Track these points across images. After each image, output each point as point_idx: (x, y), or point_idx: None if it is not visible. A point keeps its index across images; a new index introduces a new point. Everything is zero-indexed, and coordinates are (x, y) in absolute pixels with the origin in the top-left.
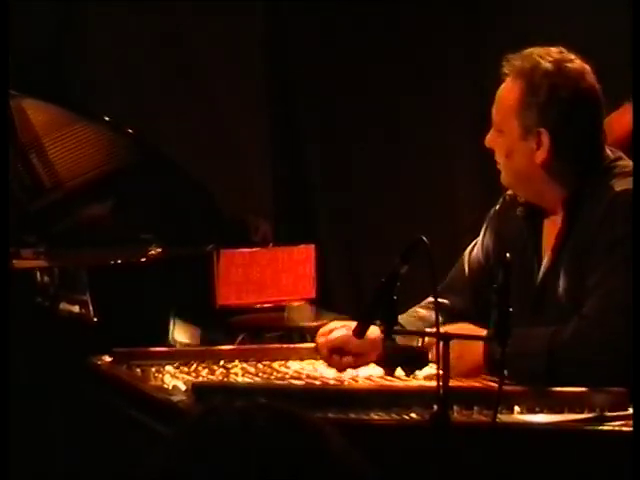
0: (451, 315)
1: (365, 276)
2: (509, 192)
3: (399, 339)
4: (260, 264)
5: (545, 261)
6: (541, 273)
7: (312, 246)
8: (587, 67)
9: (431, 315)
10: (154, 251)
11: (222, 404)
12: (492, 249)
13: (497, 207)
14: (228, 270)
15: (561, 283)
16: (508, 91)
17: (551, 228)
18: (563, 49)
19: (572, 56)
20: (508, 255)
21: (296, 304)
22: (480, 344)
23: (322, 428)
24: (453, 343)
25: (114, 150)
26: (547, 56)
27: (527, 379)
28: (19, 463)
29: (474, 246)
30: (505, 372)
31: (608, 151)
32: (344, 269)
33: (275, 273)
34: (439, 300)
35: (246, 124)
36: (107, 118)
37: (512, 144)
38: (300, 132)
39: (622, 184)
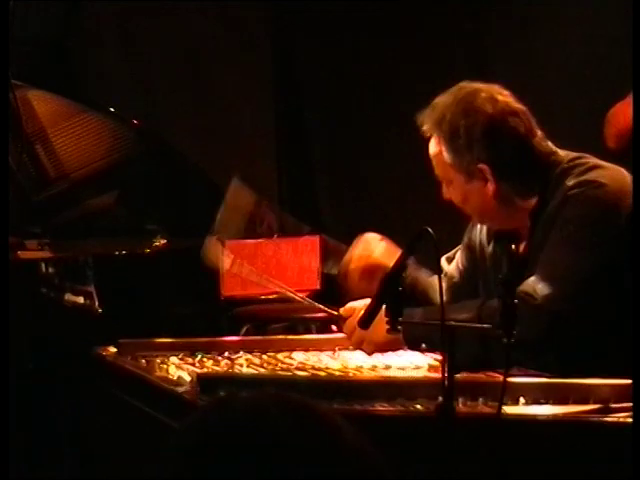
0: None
1: None
2: None
3: None
4: (265, 255)
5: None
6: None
7: (317, 237)
8: (494, 87)
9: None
10: (159, 242)
11: (230, 396)
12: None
13: None
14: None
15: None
16: (434, 146)
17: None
18: (464, 84)
19: (475, 85)
20: (513, 246)
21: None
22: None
23: (335, 419)
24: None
25: (119, 141)
26: (451, 98)
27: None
28: (24, 453)
29: (457, 251)
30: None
31: (562, 153)
32: None
33: (280, 264)
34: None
35: (251, 116)
36: (112, 109)
37: (462, 190)
38: (305, 124)
39: (573, 179)
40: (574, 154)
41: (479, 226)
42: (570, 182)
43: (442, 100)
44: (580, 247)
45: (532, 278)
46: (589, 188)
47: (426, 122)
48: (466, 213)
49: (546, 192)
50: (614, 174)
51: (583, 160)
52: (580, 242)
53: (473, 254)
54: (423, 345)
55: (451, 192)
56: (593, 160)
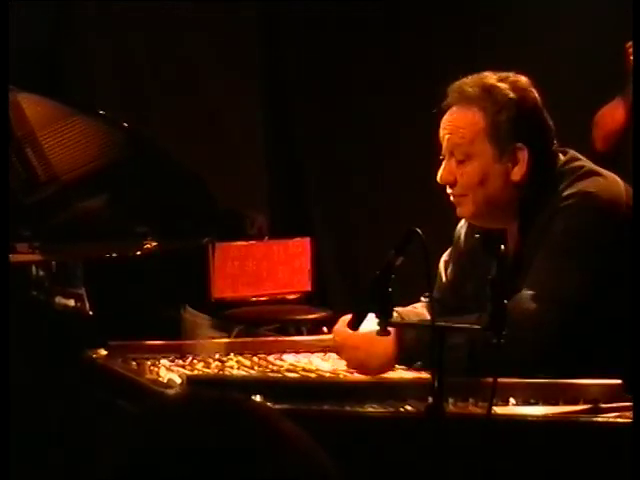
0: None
1: (361, 268)
2: None
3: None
4: (256, 257)
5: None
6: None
7: (308, 239)
8: (525, 78)
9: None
10: (149, 244)
11: (165, 398)
12: (465, 257)
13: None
14: (224, 263)
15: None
16: (469, 117)
17: (508, 237)
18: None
19: (509, 73)
20: (502, 247)
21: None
22: (388, 339)
23: (272, 417)
24: (357, 340)
25: (109, 144)
26: (493, 76)
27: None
28: (16, 458)
29: (448, 255)
30: (419, 363)
31: (560, 154)
32: (340, 262)
33: (271, 266)
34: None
35: (243, 120)
36: (102, 112)
37: (486, 168)
38: (296, 126)
39: (571, 188)
40: (569, 156)
41: (461, 229)
42: (565, 192)
43: (483, 76)
44: (569, 261)
45: (524, 294)
46: (582, 199)
47: (465, 91)
48: (461, 205)
49: (542, 195)
50: (608, 183)
51: (578, 164)
52: (568, 255)
53: (461, 257)
54: (418, 363)
55: (465, 172)
56: (588, 164)
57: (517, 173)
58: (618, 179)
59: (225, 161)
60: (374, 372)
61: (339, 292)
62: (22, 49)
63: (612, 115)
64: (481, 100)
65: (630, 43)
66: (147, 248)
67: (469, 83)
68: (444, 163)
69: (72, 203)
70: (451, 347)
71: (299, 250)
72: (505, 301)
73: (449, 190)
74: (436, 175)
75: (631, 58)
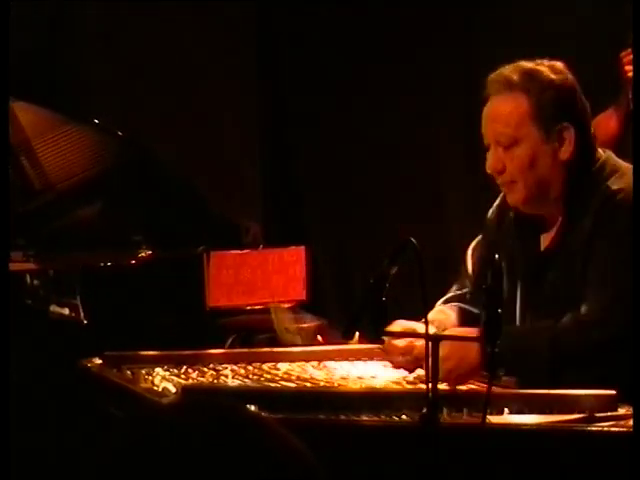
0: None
1: (356, 278)
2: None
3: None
4: (251, 266)
5: (539, 258)
6: (531, 268)
7: (302, 248)
8: (560, 62)
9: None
10: (144, 253)
11: (157, 404)
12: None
13: (497, 204)
14: (219, 272)
15: (552, 278)
16: (511, 103)
17: (547, 225)
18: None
19: (543, 59)
20: (497, 256)
21: (280, 306)
22: (473, 346)
23: (262, 422)
24: (444, 345)
25: (103, 152)
26: (530, 62)
27: (529, 376)
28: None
29: (477, 243)
30: (502, 371)
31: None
32: (335, 271)
33: (266, 275)
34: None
35: (237, 126)
36: (96, 120)
37: (535, 150)
38: (291, 134)
39: (617, 183)
40: (604, 154)
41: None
42: (614, 186)
43: (520, 64)
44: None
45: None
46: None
47: (505, 79)
48: (511, 191)
49: (590, 178)
50: None
51: (614, 160)
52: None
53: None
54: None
55: (514, 156)
56: (622, 162)
57: (565, 152)
58: None
59: (220, 169)
60: (462, 380)
61: (334, 301)
62: (21, 50)
63: (606, 124)
64: (523, 84)
65: (624, 52)
66: (142, 257)
67: (508, 70)
68: (490, 152)
69: (67, 212)
70: (532, 354)
71: (294, 259)
72: (499, 310)
73: (497, 179)
74: (434, 183)
75: (625, 68)
